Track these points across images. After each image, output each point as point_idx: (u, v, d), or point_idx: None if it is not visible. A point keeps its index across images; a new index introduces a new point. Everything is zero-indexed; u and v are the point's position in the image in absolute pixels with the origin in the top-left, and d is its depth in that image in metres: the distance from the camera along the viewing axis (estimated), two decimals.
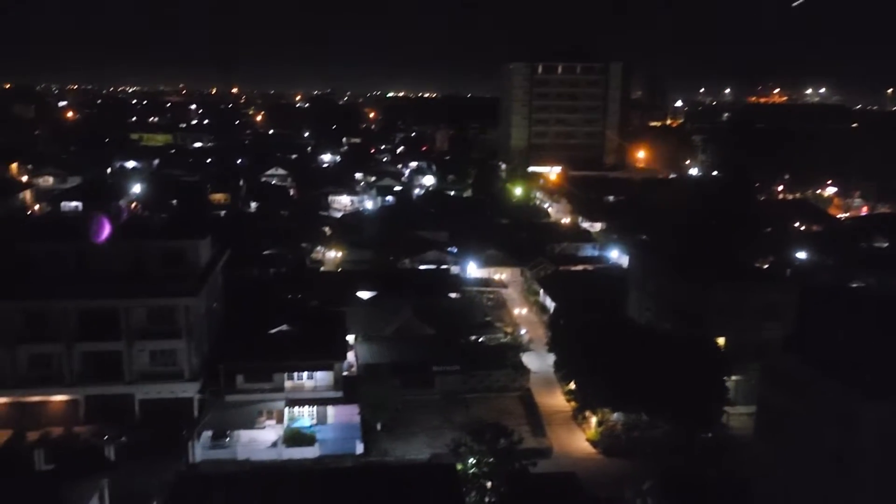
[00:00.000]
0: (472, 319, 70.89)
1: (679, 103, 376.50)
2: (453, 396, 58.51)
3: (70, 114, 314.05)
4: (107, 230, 54.51)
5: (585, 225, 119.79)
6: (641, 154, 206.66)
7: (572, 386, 59.41)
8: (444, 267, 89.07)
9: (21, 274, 52.54)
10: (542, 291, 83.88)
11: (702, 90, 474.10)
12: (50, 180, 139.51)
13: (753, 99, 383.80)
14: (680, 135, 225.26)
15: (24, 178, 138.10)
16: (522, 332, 74.21)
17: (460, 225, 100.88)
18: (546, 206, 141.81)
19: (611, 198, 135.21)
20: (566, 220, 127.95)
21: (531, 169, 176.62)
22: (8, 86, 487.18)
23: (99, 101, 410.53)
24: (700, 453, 49.73)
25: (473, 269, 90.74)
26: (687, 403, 50.06)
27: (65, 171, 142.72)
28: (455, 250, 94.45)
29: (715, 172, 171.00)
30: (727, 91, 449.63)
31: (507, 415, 55.73)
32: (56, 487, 39.48)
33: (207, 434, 51.50)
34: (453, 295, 78.51)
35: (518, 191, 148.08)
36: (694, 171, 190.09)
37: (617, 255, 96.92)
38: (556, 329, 64.61)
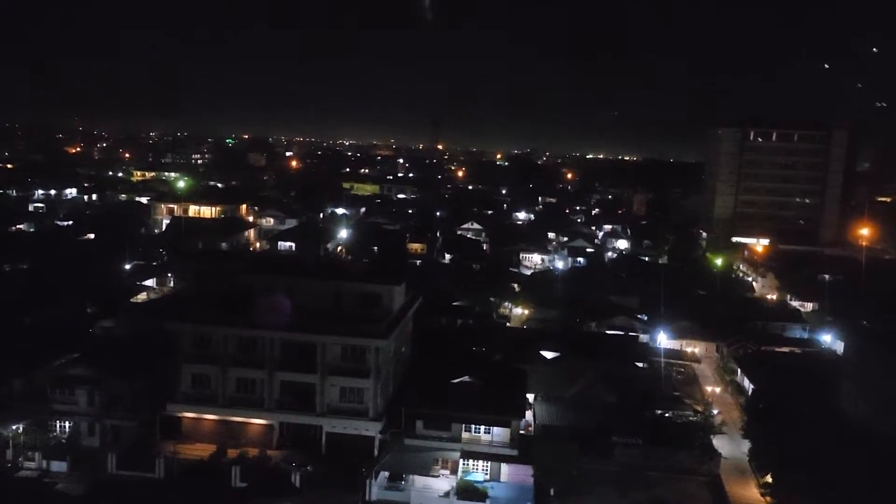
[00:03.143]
0: (659, 392, 67.05)
1: None
2: (633, 471, 55.18)
3: (294, 163, 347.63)
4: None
5: (795, 304, 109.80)
6: (865, 231, 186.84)
7: (769, 479, 53.75)
8: (632, 334, 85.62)
9: (239, 303, 58.07)
10: (739, 371, 77.62)
11: None
12: (271, 221, 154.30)
13: None
14: None
15: (251, 218, 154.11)
16: (714, 412, 68.73)
17: (653, 292, 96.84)
18: (750, 279, 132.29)
19: (826, 276, 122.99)
20: (772, 297, 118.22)
21: (735, 239, 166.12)
22: (246, 136, 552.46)
23: (319, 153, 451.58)
24: None
25: (664, 340, 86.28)
26: None
27: (284, 213, 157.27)
28: (645, 318, 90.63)
29: None
30: None
31: (691, 500, 51.52)
32: None
33: (384, 475, 52.82)
34: (640, 364, 75.02)
35: (719, 261, 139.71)
36: None
37: (830, 340, 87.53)
38: (755, 414, 59.14)
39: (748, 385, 73.06)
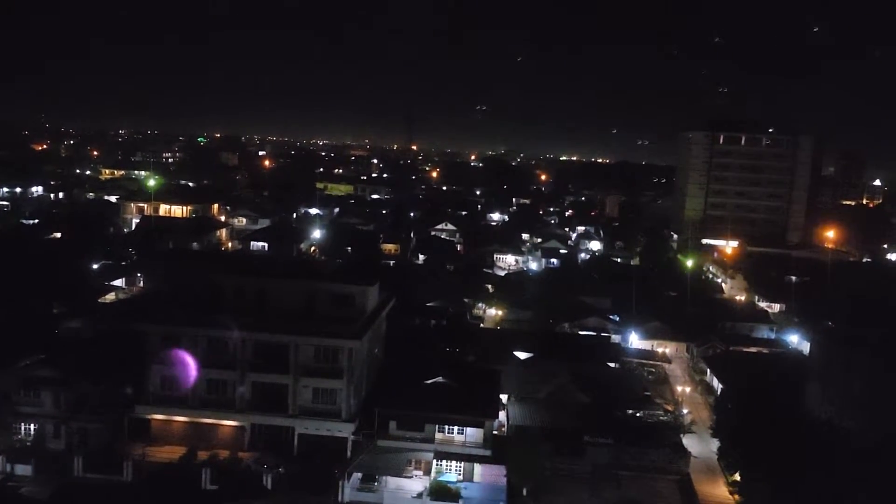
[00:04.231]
0: (630, 392, 67.72)
1: (877, 182, 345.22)
2: (604, 471, 55.70)
3: (267, 162, 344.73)
4: None
5: (762, 305, 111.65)
6: (831, 234, 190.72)
7: (737, 478, 54.56)
8: (604, 335, 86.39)
9: (210, 303, 57.34)
10: (709, 371, 78.69)
11: None
12: (244, 221, 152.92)
13: None
14: (878, 216, 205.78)
15: (223, 218, 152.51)
16: (684, 412, 69.68)
17: (625, 293, 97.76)
18: (719, 281, 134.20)
19: (793, 278, 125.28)
20: (741, 298, 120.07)
21: (705, 241, 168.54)
22: (218, 135, 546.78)
23: (292, 152, 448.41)
24: None
25: (635, 340, 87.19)
26: None
27: (257, 213, 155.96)
28: (617, 319, 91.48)
29: None
30: None
31: (662, 499, 52.14)
32: None
33: (357, 476, 52.60)
34: (612, 364, 75.72)
35: (690, 263, 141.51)
36: (894, 256, 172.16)
37: (797, 340, 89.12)
38: (724, 413, 60.00)
39: (717, 385, 74.04)
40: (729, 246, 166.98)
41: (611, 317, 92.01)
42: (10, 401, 55.83)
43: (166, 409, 55.61)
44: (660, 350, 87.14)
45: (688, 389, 77.69)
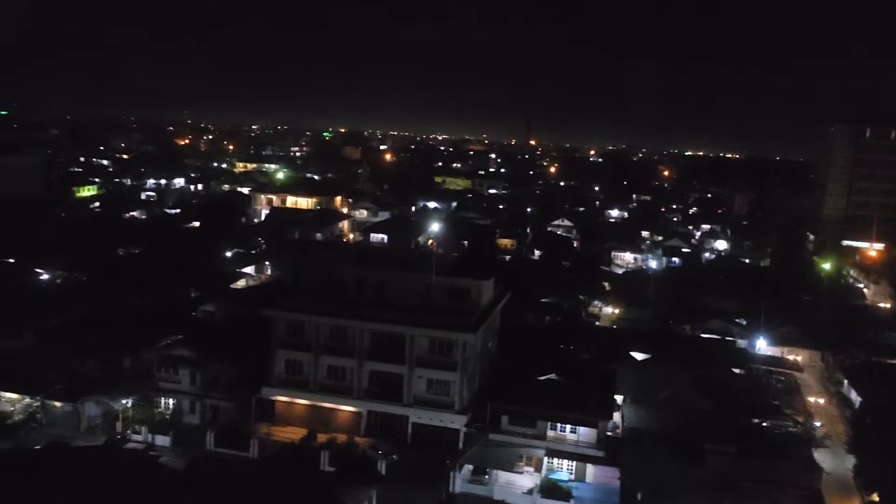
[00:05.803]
0: (756, 400, 64.21)
1: None
2: (725, 481, 53.12)
3: (388, 156, 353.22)
4: None
5: None
6: None
7: (876, 498, 50.59)
8: (729, 338, 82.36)
9: (332, 293, 59.53)
10: (846, 382, 73.33)
11: None
12: (364, 213, 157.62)
13: None
14: None
15: (345, 210, 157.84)
16: (817, 424, 65.34)
17: (753, 296, 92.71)
18: (861, 286, 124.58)
19: None
20: (885, 306, 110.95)
21: (845, 242, 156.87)
22: (343, 130, 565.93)
23: (412, 147, 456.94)
24: None
25: (763, 346, 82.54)
26: None
27: (377, 206, 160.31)
28: (744, 322, 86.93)
29: None
30: None
31: None
32: (335, 488, 43.47)
33: (468, 468, 53.02)
34: (737, 370, 72.08)
35: (827, 266, 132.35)
36: None
37: None
38: (862, 428, 55.74)
39: (855, 397, 68.93)
40: (873, 248, 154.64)
41: (736, 320, 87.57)
42: (153, 377, 60.45)
43: (290, 391, 58.37)
44: (791, 357, 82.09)
45: (821, 401, 72.81)
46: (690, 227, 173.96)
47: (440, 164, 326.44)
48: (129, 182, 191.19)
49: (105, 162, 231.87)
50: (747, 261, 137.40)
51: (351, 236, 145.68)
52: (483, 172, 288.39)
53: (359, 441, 55.82)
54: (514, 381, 57.55)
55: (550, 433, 54.49)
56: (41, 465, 42.28)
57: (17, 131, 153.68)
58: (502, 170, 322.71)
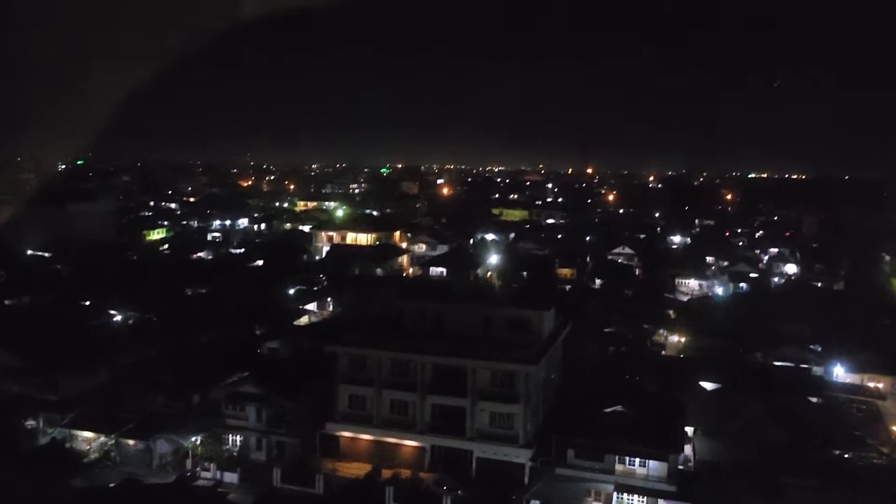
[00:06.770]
0: (835, 430, 61.13)
1: None
2: None
3: (445, 190, 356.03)
4: None
5: None
6: None
7: None
8: (803, 366, 79.01)
9: (393, 327, 59.84)
10: None
11: None
12: (423, 247, 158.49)
13: None
14: None
15: (404, 245, 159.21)
16: None
17: (827, 321, 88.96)
18: None
19: None
20: None
21: None
22: (400, 166, 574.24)
23: (469, 180, 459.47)
24: None
25: (841, 373, 78.82)
26: None
27: (435, 240, 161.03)
28: (819, 349, 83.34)
29: None
30: None
31: None
32: None
33: (536, 503, 51.93)
34: (814, 399, 68.89)
35: None
36: None
37: None
38: None
39: None
40: None
41: (811, 347, 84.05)
42: (220, 414, 61.59)
43: (353, 427, 58.57)
44: (871, 384, 78.09)
45: None
46: (757, 252, 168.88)
47: (497, 195, 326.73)
48: (195, 224, 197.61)
49: (173, 205, 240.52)
50: (819, 284, 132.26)
51: (410, 270, 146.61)
52: (540, 202, 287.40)
53: (423, 476, 55.39)
54: (579, 414, 56.39)
55: (619, 467, 52.98)
56: (116, 502, 43.32)
57: (92, 179, 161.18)
58: (560, 199, 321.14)
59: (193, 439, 59.01)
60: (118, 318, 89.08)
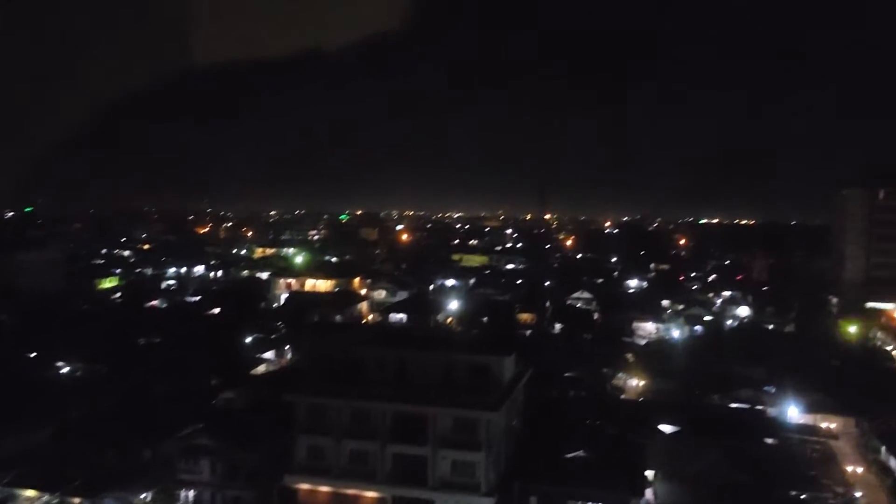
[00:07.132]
0: (792, 471, 62.03)
1: None
2: None
3: (404, 236, 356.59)
4: None
5: None
6: None
7: None
8: (759, 407, 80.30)
9: (353, 375, 59.11)
10: (884, 449, 70.79)
11: None
12: (383, 293, 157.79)
13: None
14: None
15: (364, 291, 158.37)
16: (857, 494, 62.77)
17: (779, 363, 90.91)
18: (889, 349, 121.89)
19: None
20: None
21: (869, 305, 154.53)
22: (359, 212, 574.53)
23: (429, 226, 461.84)
24: None
25: (794, 414, 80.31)
26: None
27: (395, 286, 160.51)
28: (773, 390, 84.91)
29: None
30: None
31: None
32: None
33: None
34: (769, 441, 69.89)
35: (853, 329, 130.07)
36: None
37: None
38: None
39: (895, 464, 66.36)
40: None
41: (765, 388, 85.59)
42: (174, 468, 59.59)
43: (312, 478, 57.16)
44: (824, 425, 79.64)
45: (859, 469, 70.10)
46: (711, 295, 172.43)
47: (457, 241, 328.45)
48: (150, 272, 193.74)
49: (126, 253, 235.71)
50: (771, 326, 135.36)
51: (370, 317, 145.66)
52: (499, 248, 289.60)
53: None
54: (540, 460, 56.18)
55: None
56: None
57: (40, 227, 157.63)
58: (519, 245, 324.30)
59: (144, 496, 56.93)
60: (66, 369, 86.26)
